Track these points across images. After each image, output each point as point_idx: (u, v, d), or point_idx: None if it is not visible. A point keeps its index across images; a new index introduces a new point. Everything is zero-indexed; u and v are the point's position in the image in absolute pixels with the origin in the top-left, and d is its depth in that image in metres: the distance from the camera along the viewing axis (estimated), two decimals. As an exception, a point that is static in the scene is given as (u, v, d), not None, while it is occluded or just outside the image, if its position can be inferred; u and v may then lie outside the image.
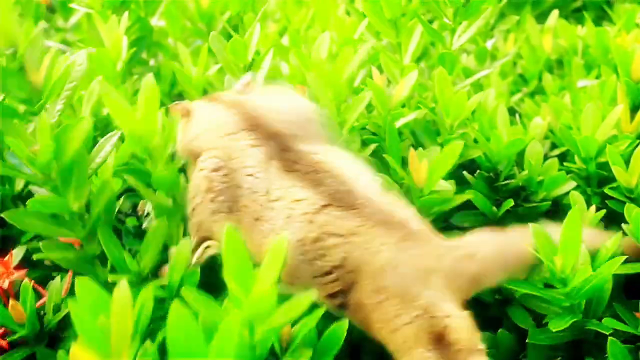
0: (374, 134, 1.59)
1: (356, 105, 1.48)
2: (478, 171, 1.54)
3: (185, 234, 1.37)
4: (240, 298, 0.88)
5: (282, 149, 1.23)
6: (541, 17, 2.19)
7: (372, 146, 1.53)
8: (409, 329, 1.05)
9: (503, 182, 1.53)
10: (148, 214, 1.47)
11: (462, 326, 1.04)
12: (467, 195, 1.42)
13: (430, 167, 1.35)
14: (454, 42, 1.62)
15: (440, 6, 1.58)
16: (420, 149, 1.41)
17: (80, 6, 1.86)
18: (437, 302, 1.06)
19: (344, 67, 1.46)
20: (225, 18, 2.03)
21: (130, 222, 1.48)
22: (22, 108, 1.30)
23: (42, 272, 1.45)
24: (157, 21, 1.99)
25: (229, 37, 2.11)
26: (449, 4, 1.57)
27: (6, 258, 1.38)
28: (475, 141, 1.56)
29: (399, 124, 1.53)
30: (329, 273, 1.13)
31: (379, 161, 1.51)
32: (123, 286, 0.89)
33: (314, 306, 0.96)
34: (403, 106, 1.57)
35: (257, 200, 1.19)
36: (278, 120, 1.28)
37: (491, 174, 1.54)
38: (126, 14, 1.72)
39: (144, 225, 1.47)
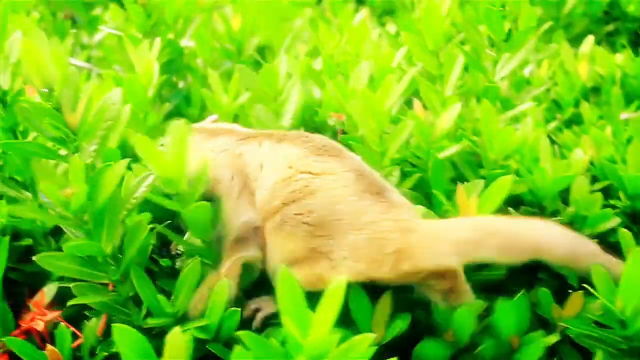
0: (413, 165, 1.49)
1: (397, 136, 1.37)
2: (522, 207, 1.44)
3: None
4: (298, 341, 0.85)
5: (269, 134, 1.28)
6: (573, 42, 2.08)
7: (414, 178, 1.43)
8: (289, 244, 1.16)
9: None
10: (180, 253, 1.38)
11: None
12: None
13: (479, 202, 1.26)
14: (496, 73, 1.51)
15: (482, 37, 1.48)
16: (466, 182, 1.35)
17: (109, 28, 1.76)
18: (327, 254, 1.12)
19: (386, 96, 1.35)
20: (256, 42, 1.93)
21: (164, 262, 1.37)
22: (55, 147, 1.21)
23: (74, 309, 1.35)
24: (186, 42, 1.88)
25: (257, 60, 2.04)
26: (492, 34, 1.46)
27: (37, 297, 1.30)
28: (518, 174, 1.45)
29: (440, 156, 1.42)
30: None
31: (420, 194, 1.42)
32: (176, 333, 0.87)
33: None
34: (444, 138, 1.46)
35: (254, 172, 1.25)
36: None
37: (536, 210, 1.44)
38: (158, 39, 1.62)
39: (177, 265, 1.37)
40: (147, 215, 1.30)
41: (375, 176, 1.21)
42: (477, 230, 1.15)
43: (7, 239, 1.25)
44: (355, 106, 1.36)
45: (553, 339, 1.18)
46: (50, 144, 1.21)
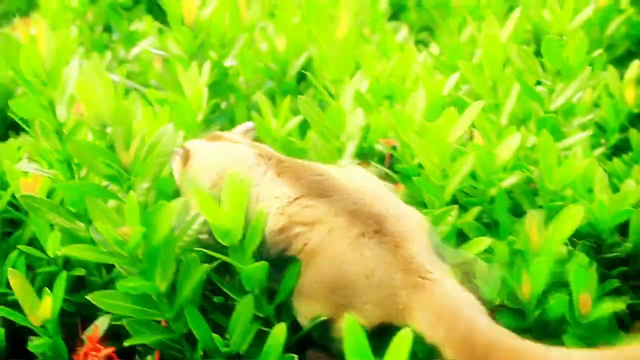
0: (470, 195, 1.41)
1: (459, 170, 1.28)
2: (582, 241, 1.35)
3: (280, 315, 1.21)
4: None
5: (278, 161, 1.24)
6: (615, 64, 1.98)
7: (475, 210, 1.35)
8: (315, 305, 1.11)
9: (608, 254, 1.35)
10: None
11: None
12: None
13: (548, 233, 1.18)
14: (552, 102, 1.43)
15: (538, 66, 1.40)
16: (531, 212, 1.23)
17: (156, 50, 1.69)
18: (352, 305, 1.07)
19: (449, 129, 1.26)
20: (300, 63, 1.85)
21: (217, 298, 1.30)
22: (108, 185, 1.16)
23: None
24: (230, 62, 1.79)
25: (299, 79, 1.96)
26: (549, 63, 1.38)
27: (91, 331, 1.24)
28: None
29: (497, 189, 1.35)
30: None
31: (480, 224, 1.35)
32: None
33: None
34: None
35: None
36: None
37: (593, 243, 1.36)
38: (208, 64, 1.54)
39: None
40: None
41: (370, 203, 1.13)
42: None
43: (64, 274, 1.19)
44: (414, 138, 1.27)
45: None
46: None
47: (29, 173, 1.32)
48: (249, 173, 1.23)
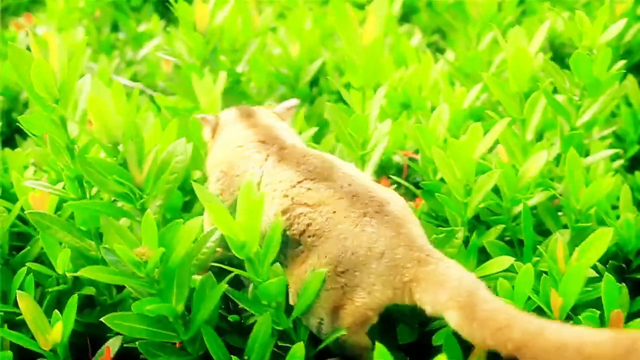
0: (493, 212, 1.36)
1: (483, 187, 1.23)
2: (610, 261, 1.30)
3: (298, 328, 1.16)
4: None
5: (278, 148, 1.24)
6: (632, 71, 1.92)
7: (498, 228, 1.30)
8: (323, 294, 1.08)
9: (637, 275, 1.30)
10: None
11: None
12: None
13: (577, 255, 1.13)
14: (579, 118, 1.37)
15: (565, 80, 1.34)
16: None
17: (167, 56, 1.62)
18: (358, 285, 1.06)
19: (474, 145, 1.21)
20: (315, 67, 1.79)
21: (232, 318, 1.24)
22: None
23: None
24: (242, 67, 1.72)
25: (312, 84, 1.90)
26: (578, 78, 1.32)
27: (103, 353, 1.19)
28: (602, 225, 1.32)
29: (521, 207, 1.29)
30: (297, 242, 1.13)
31: (505, 243, 1.30)
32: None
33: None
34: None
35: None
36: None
37: (622, 264, 1.31)
38: (224, 73, 1.48)
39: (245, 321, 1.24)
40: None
41: (371, 189, 1.14)
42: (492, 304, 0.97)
43: (75, 297, 1.12)
44: (438, 153, 1.21)
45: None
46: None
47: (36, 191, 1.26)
48: (247, 162, 1.24)
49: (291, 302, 1.14)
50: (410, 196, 1.44)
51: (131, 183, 1.05)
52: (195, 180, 1.43)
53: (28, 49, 2.10)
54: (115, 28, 2.38)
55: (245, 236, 1.04)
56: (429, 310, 1.01)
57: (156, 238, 1.02)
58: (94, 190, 1.16)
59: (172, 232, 1.04)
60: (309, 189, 1.14)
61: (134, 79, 2.14)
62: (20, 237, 1.38)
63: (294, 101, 1.44)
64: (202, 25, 1.56)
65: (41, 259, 1.30)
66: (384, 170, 1.55)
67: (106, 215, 1.05)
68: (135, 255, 1.01)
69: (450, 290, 0.99)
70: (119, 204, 1.13)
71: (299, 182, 1.15)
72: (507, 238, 1.35)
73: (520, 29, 1.33)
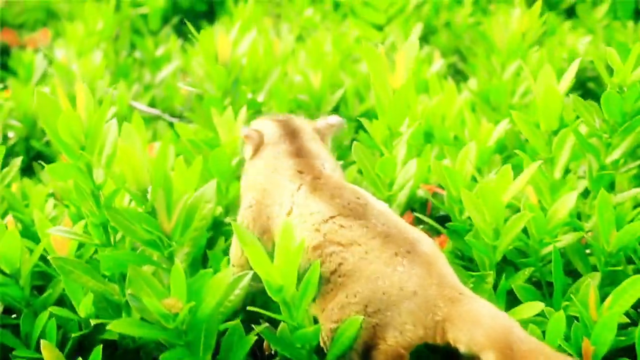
0: (521, 253, 1.32)
1: (513, 230, 1.19)
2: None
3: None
4: None
5: (312, 178, 1.21)
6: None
7: (527, 271, 1.26)
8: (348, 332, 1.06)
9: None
10: (275, 353, 1.21)
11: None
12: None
13: (612, 300, 1.10)
14: (609, 156, 1.33)
15: (595, 118, 1.31)
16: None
17: (188, 87, 1.59)
18: (390, 324, 1.04)
19: (504, 188, 1.17)
20: (336, 97, 1.76)
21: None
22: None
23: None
24: (263, 96, 1.69)
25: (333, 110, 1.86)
26: (608, 116, 1.28)
27: None
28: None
29: (551, 248, 1.25)
30: (327, 279, 1.11)
31: (532, 285, 1.27)
32: None
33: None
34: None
35: (278, 212, 1.20)
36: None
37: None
38: (244, 109, 1.45)
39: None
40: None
41: (403, 229, 1.12)
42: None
43: (99, 348, 1.10)
44: (467, 195, 1.17)
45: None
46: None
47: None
48: (280, 191, 1.21)
49: (321, 342, 1.11)
50: (434, 232, 1.41)
51: (159, 232, 1.02)
52: (218, 218, 1.40)
53: (45, 75, 2.11)
54: (133, 50, 2.35)
55: (283, 280, 1.02)
56: (463, 349, 0.99)
57: (185, 290, 0.99)
58: (119, 235, 1.13)
59: (201, 283, 1.01)
60: (342, 226, 1.12)
61: (152, 103, 2.12)
62: (42, 275, 1.35)
63: (337, 119, 1.36)
64: (224, 56, 1.53)
65: (63, 300, 1.26)
66: (407, 204, 1.52)
67: (133, 264, 1.02)
68: (164, 308, 0.98)
69: (486, 329, 0.98)
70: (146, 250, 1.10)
71: (331, 217, 1.13)
72: (535, 279, 1.31)
73: (549, 67, 1.29)
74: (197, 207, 1.06)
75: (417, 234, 1.12)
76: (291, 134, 1.30)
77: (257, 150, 1.30)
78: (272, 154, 1.28)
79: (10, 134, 1.91)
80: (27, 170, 1.80)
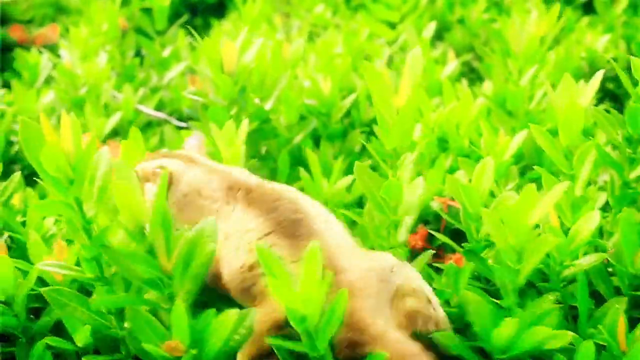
0: (542, 274, 1.24)
1: (536, 254, 1.08)
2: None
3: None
4: None
5: (247, 191, 1.16)
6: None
7: (550, 297, 1.16)
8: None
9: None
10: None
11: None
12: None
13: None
14: (632, 171, 1.24)
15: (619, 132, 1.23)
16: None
17: (194, 96, 1.51)
18: None
19: (529, 210, 1.07)
20: (348, 103, 1.67)
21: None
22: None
23: None
24: (271, 104, 1.61)
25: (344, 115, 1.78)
26: (632, 131, 1.20)
27: None
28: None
29: (572, 270, 1.18)
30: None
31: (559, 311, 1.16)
32: None
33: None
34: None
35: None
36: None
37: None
38: (246, 121, 1.37)
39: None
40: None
41: (333, 256, 1.06)
42: None
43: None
44: (488, 215, 1.08)
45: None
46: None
47: (54, 251, 1.16)
48: (217, 214, 1.15)
49: None
50: (448, 249, 1.33)
51: (159, 271, 0.94)
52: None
53: (50, 77, 2.03)
54: (139, 51, 2.27)
55: (306, 309, 0.92)
56: None
57: (187, 331, 0.92)
58: (113, 269, 1.06)
59: (205, 324, 0.94)
60: (274, 245, 1.07)
61: (159, 105, 2.04)
62: (39, 298, 1.27)
63: (195, 139, 1.37)
64: (229, 65, 1.44)
65: (60, 326, 1.19)
66: (420, 217, 1.44)
67: (132, 306, 0.94)
68: (165, 352, 0.91)
69: None
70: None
71: (265, 235, 1.09)
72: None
73: (570, 78, 1.20)
74: (197, 242, 0.98)
75: (351, 262, 1.06)
76: (191, 160, 1.24)
77: (169, 186, 1.20)
78: (191, 181, 1.20)
79: (15, 139, 1.84)
80: (31, 177, 1.73)
